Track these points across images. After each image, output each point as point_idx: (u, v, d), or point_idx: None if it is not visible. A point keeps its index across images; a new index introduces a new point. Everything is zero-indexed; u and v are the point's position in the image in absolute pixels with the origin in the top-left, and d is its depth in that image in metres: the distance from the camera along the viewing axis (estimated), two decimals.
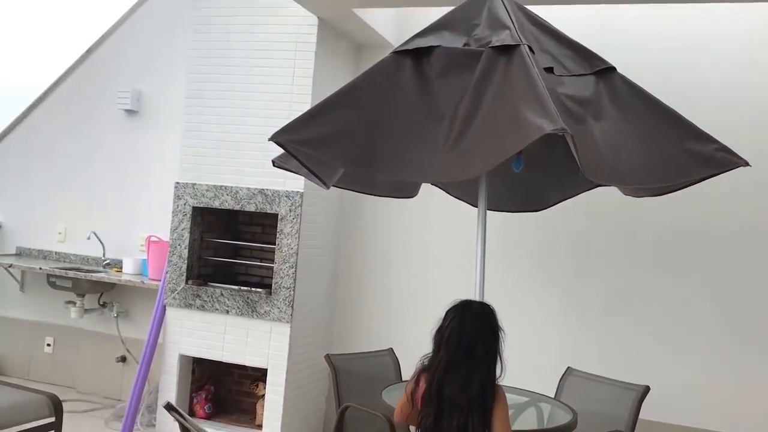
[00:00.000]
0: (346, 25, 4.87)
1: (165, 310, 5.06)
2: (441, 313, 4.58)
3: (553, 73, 3.08)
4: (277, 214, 4.83)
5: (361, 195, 5.14)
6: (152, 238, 5.51)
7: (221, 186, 4.94)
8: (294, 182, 4.77)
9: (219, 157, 4.96)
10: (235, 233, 5.44)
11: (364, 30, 4.98)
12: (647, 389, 3.76)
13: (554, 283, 4.88)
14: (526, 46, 2.94)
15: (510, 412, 2.77)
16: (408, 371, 3.37)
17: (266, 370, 4.85)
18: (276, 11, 4.86)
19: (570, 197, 4.12)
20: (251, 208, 4.87)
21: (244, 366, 5.30)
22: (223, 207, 4.94)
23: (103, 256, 5.98)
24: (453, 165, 2.81)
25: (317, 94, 4.85)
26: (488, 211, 4.07)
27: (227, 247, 5.38)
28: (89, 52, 6.28)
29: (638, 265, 4.72)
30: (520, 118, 2.61)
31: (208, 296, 4.93)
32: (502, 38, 3.02)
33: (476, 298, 3.43)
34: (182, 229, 5.01)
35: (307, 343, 5.06)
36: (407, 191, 4.26)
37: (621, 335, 4.73)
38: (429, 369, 2.78)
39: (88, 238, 5.90)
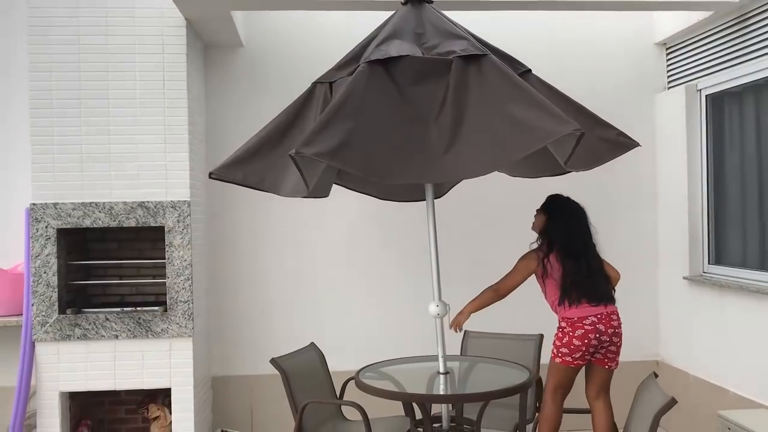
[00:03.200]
0: (211, 26, 4.75)
1: (34, 347, 4.51)
2: (320, 302, 4.82)
3: None
4: (163, 227, 4.60)
5: (229, 200, 5.16)
6: None
7: (91, 203, 4.52)
8: (179, 191, 4.59)
9: (83, 171, 4.53)
10: (86, 253, 4.98)
11: (224, 30, 4.90)
12: (542, 336, 4.47)
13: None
14: (491, 55, 3.36)
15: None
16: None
17: (154, 390, 4.70)
18: (133, 12, 4.56)
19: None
20: (131, 223, 4.56)
21: (117, 393, 4.99)
22: (96, 225, 4.54)
23: None
24: (454, 165, 3.12)
25: (192, 97, 4.70)
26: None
27: (82, 269, 4.92)
28: None
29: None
30: (523, 120, 3.02)
31: (90, 323, 4.52)
32: (465, 48, 3.38)
33: (434, 284, 3.81)
34: (47, 255, 4.49)
35: (206, 353, 4.92)
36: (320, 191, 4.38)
37: None
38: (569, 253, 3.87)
39: None
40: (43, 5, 4.50)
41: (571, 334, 3.73)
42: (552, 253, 3.92)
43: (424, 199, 4.32)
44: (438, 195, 4.55)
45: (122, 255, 4.99)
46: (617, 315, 3.84)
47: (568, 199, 4.09)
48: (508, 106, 3.13)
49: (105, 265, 4.99)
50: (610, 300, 3.88)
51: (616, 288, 4.01)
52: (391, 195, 4.64)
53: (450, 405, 3.97)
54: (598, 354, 3.79)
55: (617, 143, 3.74)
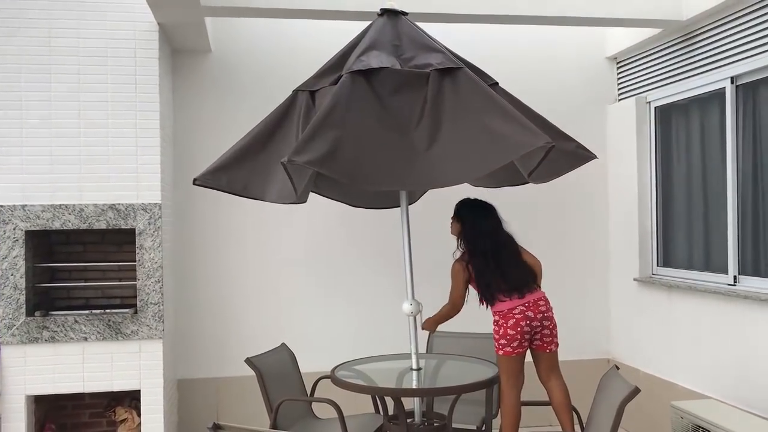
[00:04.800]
0: (182, 31, 4.81)
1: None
2: (289, 303, 4.98)
3: None
4: (134, 229, 4.62)
5: (196, 203, 5.22)
6: None
7: (61, 205, 4.51)
8: (149, 194, 4.62)
9: (53, 173, 4.52)
10: (50, 255, 4.95)
11: (194, 36, 4.96)
12: None
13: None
14: (466, 68, 3.54)
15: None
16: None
17: (120, 393, 4.75)
18: (105, 15, 4.59)
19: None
20: (101, 225, 4.57)
21: (81, 396, 4.97)
22: (66, 228, 4.53)
23: None
24: (436, 173, 3.28)
25: (163, 101, 4.75)
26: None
27: (46, 271, 4.89)
28: None
29: None
30: (498, 132, 3.20)
31: (59, 326, 4.50)
32: (441, 61, 3.56)
33: (407, 284, 3.97)
34: (15, 257, 4.46)
35: (172, 355, 4.94)
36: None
37: None
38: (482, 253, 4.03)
39: None
40: (13, 6, 4.49)
41: (504, 325, 3.93)
42: (471, 257, 4.08)
43: (395, 206, 4.50)
44: (410, 202, 4.71)
45: (88, 258, 4.98)
46: (544, 300, 4.03)
47: (475, 200, 4.23)
48: (482, 118, 3.30)
49: (70, 268, 4.97)
50: (528, 288, 4.01)
51: (540, 274, 4.18)
52: (363, 202, 4.77)
53: (422, 399, 4.12)
54: (536, 341, 4.00)
55: (576, 155, 3.96)
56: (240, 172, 3.62)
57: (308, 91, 3.75)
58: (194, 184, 3.69)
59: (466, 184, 4.64)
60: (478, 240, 4.06)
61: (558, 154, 3.78)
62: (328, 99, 3.35)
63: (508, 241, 4.15)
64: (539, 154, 3.25)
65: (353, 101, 3.37)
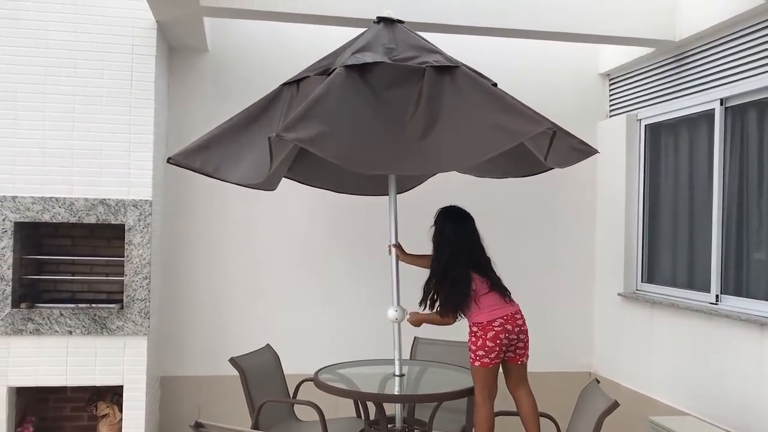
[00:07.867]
0: (180, 30, 4.83)
1: None
2: (274, 304, 5.50)
3: None
4: (123, 225, 4.63)
5: (187, 201, 5.24)
6: None
7: (51, 198, 4.52)
8: (140, 190, 4.64)
9: (45, 166, 4.53)
10: (38, 248, 4.96)
11: (192, 35, 4.98)
12: None
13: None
14: (463, 66, 3.59)
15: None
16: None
17: (103, 387, 4.74)
18: (104, 11, 4.60)
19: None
20: (91, 220, 4.57)
21: (63, 390, 4.97)
22: (55, 221, 4.53)
23: None
24: (433, 157, 3.32)
25: (158, 99, 4.77)
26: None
27: (34, 263, 4.89)
28: None
29: None
30: (499, 121, 3.24)
31: (44, 318, 4.50)
32: (438, 59, 3.61)
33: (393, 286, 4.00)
34: (3, 248, 4.46)
35: (156, 352, 4.95)
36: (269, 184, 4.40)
37: None
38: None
39: None
40: (12, 8, 4.50)
41: (483, 337, 3.91)
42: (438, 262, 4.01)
43: (383, 194, 4.44)
44: (400, 191, 4.67)
45: (76, 252, 4.98)
46: (521, 314, 4.02)
47: (452, 206, 4.10)
48: (483, 112, 3.34)
49: (57, 261, 4.97)
50: (508, 295, 4.02)
51: None
52: (349, 188, 4.77)
53: (404, 406, 4.15)
54: (509, 353, 4.00)
55: (579, 150, 4.00)
56: (214, 154, 3.65)
57: (295, 82, 3.78)
58: (168, 162, 3.74)
59: (462, 177, 4.68)
60: (446, 245, 3.97)
61: (563, 144, 3.76)
62: (321, 86, 3.36)
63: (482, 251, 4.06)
64: (544, 142, 3.26)
65: (346, 90, 3.40)
